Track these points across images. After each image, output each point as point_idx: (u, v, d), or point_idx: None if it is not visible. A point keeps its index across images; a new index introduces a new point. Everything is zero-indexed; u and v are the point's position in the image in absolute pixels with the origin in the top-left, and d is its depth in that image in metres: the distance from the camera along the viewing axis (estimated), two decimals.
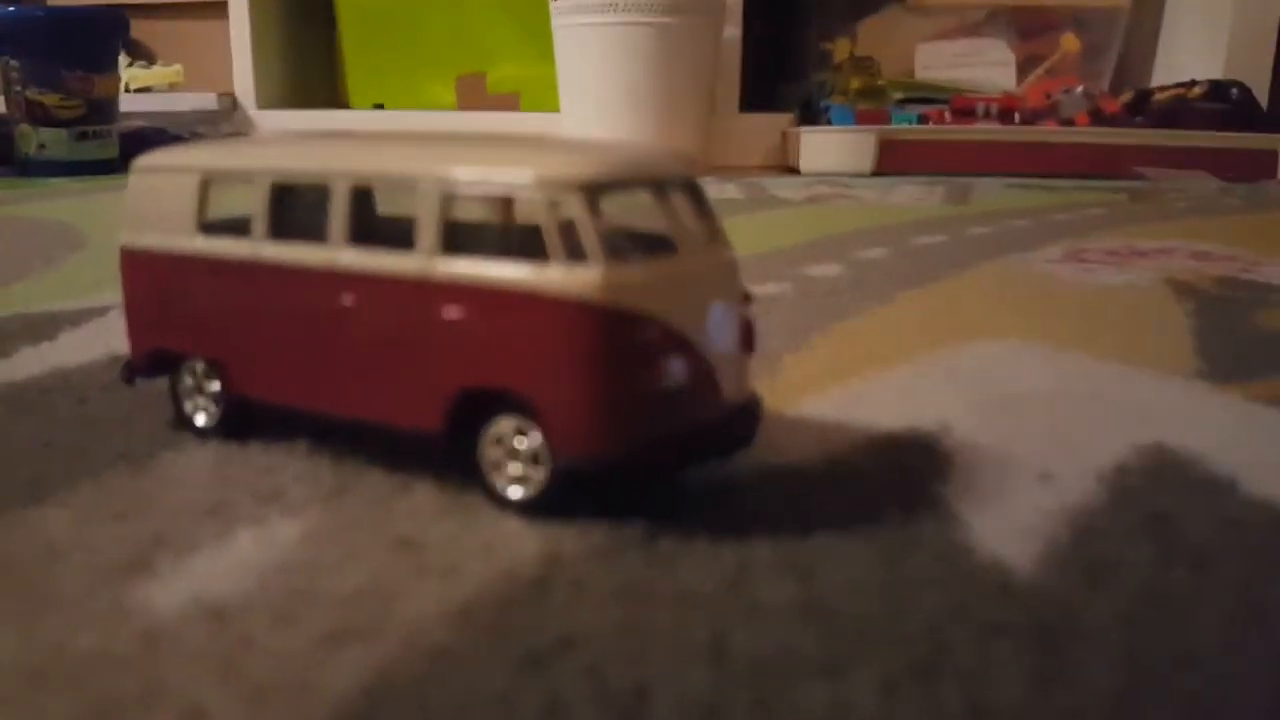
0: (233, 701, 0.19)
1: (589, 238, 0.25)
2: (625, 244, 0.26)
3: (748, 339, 0.29)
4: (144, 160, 0.33)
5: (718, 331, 0.27)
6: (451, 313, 0.26)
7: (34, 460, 0.31)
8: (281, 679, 0.20)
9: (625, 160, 0.27)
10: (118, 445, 0.32)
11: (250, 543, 0.26)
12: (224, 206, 0.32)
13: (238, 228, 0.31)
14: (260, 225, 0.30)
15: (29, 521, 0.27)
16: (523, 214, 0.29)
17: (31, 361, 0.42)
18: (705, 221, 0.29)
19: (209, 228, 0.31)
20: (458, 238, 0.27)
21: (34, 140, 1.28)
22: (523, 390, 0.26)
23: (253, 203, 0.30)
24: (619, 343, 0.25)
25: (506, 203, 0.30)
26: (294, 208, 0.30)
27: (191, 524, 0.27)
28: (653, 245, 0.27)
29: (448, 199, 0.26)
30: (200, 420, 0.33)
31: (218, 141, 0.34)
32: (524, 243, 0.26)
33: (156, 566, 0.24)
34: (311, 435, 0.32)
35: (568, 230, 0.25)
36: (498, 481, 0.27)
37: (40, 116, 1.27)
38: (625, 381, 0.25)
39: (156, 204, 0.32)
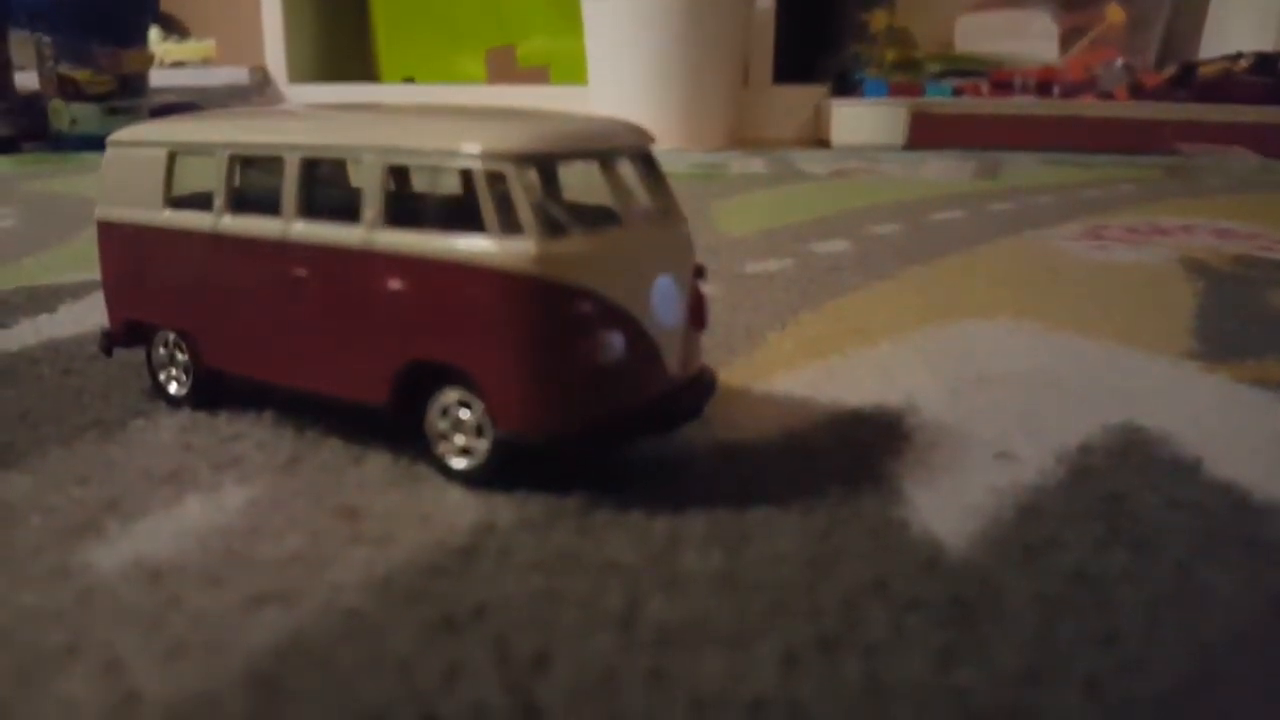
0: (150, 656, 0.20)
1: (524, 209, 0.25)
2: (567, 217, 0.26)
3: (698, 313, 0.29)
4: (118, 134, 0.33)
5: (662, 305, 0.27)
6: (394, 285, 0.26)
7: (9, 428, 0.32)
8: (199, 637, 0.20)
9: (569, 132, 0.27)
10: (93, 413, 0.33)
11: (198, 508, 0.26)
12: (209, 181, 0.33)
13: (205, 202, 0.31)
14: (220, 199, 0.30)
15: None
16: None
17: (28, 333, 0.43)
18: (658, 195, 0.29)
19: (178, 201, 0.32)
20: (411, 209, 0.27)
21: (66, 116, 1.31)
22: (461, 363, 0.26)
23: (213, 177, 0.30)
24: (552, 316, 0.25)
25: (465, 174, 0.31)
26: (255, 181, 0.30)
27: (147, 489, 0.27)
28: (599, 219, 0.27)
29: (390, 170, 0.27)
30: (173, 389, 0.34)
31: (191, 115, 0.35)
32: (469, 214, 0.26)
33: (106, 529, 0.25)
34: (279, 405, 0.33)
35: (504, 202, 0.25)
36: (444, 453, 0.28)
37: (72, 92, 1.30)
38: (560, 355, 0.25)
39: (128, 178, 0.33)
